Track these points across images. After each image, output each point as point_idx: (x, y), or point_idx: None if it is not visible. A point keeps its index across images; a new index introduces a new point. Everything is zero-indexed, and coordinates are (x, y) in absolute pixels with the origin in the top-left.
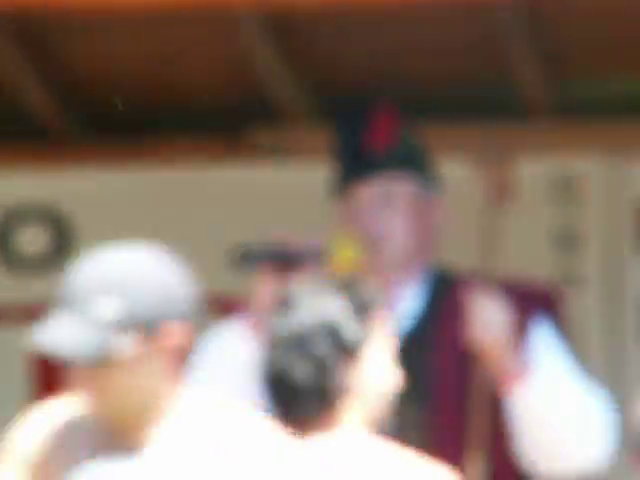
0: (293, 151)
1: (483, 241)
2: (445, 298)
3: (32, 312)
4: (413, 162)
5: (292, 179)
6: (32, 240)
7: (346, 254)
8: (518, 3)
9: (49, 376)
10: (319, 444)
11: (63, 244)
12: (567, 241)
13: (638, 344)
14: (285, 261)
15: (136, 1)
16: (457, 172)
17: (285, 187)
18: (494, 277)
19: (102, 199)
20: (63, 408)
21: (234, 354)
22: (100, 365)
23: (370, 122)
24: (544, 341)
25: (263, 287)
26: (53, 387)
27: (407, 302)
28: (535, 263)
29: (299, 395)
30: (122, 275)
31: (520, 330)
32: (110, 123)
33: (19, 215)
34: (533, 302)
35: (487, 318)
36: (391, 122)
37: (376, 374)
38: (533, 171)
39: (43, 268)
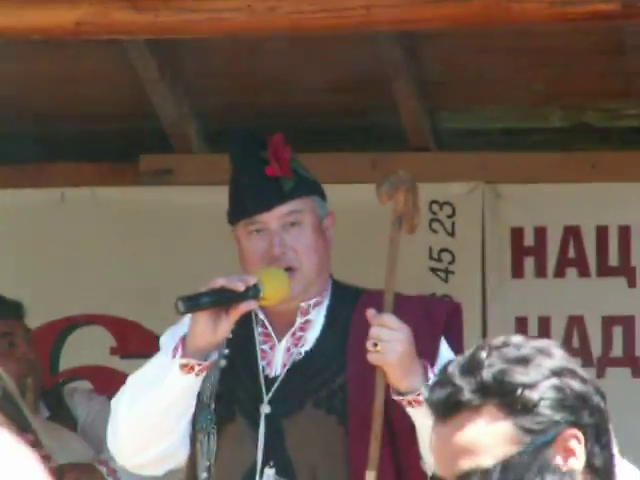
0: (178, 176)
1: (389, 261)
2: (351, 314)
3: None
4: (309, 187)
5: (176, 203)
6: None
7: (275, 285)
8: (400, 42)
9: None
10: None
11: None
12: (445, 263)
13: None
14: (227, 304)
15: (29, 25)
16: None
17: (170, 210)
18: (394, 293)
19: None
20: None
21: (169, 388)
22: None
23: (268, 152)
24: (449, 356)
25: (202, 326)
26: None
27: (316, 322)
28: (415, 284)
29: None
30: None
31: (426, 343)
32: (5, 144)
33: None
34: (442, 314)
35: (378, 335)
36: (286, 152)
37: None
38: None
39: None
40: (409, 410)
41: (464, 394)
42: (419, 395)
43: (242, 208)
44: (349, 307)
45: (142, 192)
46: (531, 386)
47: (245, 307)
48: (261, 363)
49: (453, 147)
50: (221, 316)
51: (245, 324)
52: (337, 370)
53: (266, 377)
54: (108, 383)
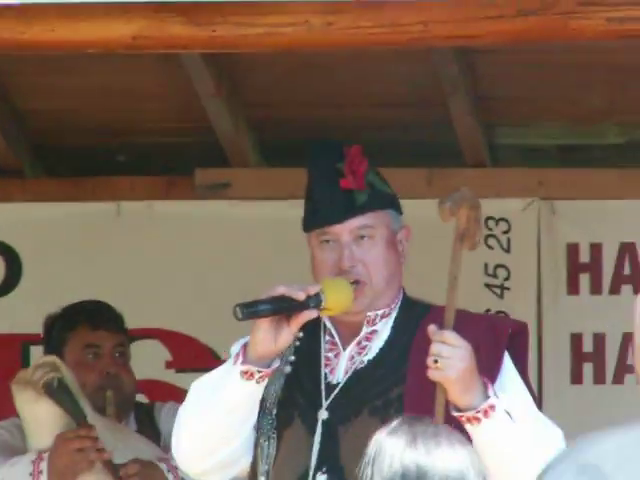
0: (234, 189)
1: (450, 277)
2: (416, 329)
3: None
4: (384, 201)
5: (232, 216)
6: None
7: (337, 296)
8: (456, 57)
9: None
10: None
11: (13, 275)
12: (500, 280)
13: (572, 383)
14: (287, 312)
15: (87, 39)
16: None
17: (226, 224)
18: (458, 310)
19: (51, 232)
20: None
21: (230, 395)
22: None
23: (344, 164)
24: (511, 374)
25: (262, 333)
26: None
27: (382, 333)
28: (470, 301)
29: None
30: None
31: (489, 361)
32: (61, 158)
33: None
34: (506, 331)
35: (439, 351)
36: (363, 164)
37: None
38: None
39: None
40: (468, 427)
41: None
42: (478, 412)
43: (315, 218)
44: (416, 321)
45: (198, 206)
46: None
47: (306, 316)
48: (324, 370)
49: (509, 163)
50: (282, 324)
51: (313, 332)
52: (396, 381)
53: (327, 384)
54: (163, 397)
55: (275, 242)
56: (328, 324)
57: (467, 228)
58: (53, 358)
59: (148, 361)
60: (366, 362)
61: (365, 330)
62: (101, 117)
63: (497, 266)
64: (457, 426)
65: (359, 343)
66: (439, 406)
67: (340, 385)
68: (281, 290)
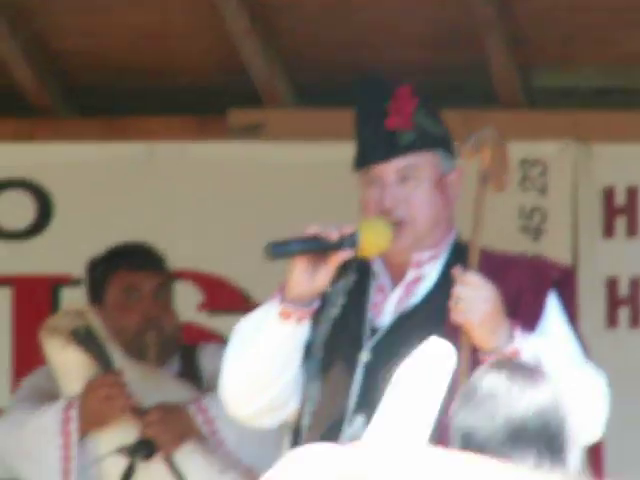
0: (268, 130)
1: (474, 219)
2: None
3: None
4: (431, 141)
5: (266, 158)
6: (14, 211)
7: (374, 237)
8: None
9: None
10: None
11: (44, 216)
12: (536, 222)
13: (607, 328)
14: (320, 252)
15: None
16: None
17: (260, 166)
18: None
19: (82, 172)
20: None
21: (270, 335)
22: None
23: (391, 104)
24: (555, 320)
25: (299, 273)
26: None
27: (430, 277)
28: (505, 244)
29: None
30: None
31: (532, 306)
32: (93, 98)
33: (1, 187)
34: (550, 274)
35: (461, 293)
36: (410, 104)
37: None
38: None
39: (24, 239)
40: None
41: None
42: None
43: (360, 157)
44: (465, 265)
45: (231, 147)
46: None
47: (342, 256)
48: (371, 312)
49: (545, 105)
50: (319, 265)
51: (363, 276)
52: (438, 325)
53: (372, 327)
54: (196, 339)
55: (308, 183)
56: (377, 267)
57: (491, 168)
58: (81, 306)
59: (181, 303)
60: (411, 306)
61: (412, 273)
62: (133, 57)
63: (533, 209)
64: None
65: (407, 286)
66: (464, 349)
67: (384, 328)
68: (314, 230)
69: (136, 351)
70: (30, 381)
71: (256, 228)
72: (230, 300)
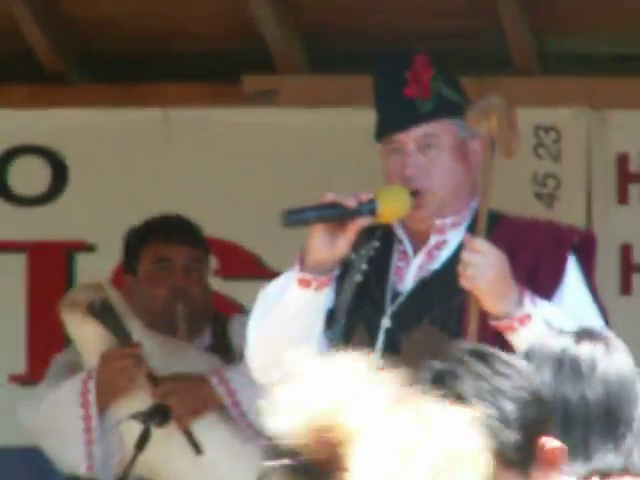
0: (283, 96)
1: (482, 185)
2: (489, 237)
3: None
4: (451, 109)
5: (281, 124)
6: (29, 177)
7: (392, 203)
8: None
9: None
10: None
11: (58, 182)
12: (550, 189)
13: (621, 294)
14: (337, 219)
15: None
16: None
17: (274, 131)
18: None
19: (96, 138)
20: None
21: (290, 303)
22: None
23: (409, 72)
24: (574, 285)
25: (317, 240)
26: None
27: (452, 243)
28: (518, 210)
29: None
30: None
31: (551, 272)
32: (107, 64)
33: (16, 153)
34: (570, 239)
35: (468, 259)
36: (428, 72)
37: None
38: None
39: (39, 205)
40: (508, 336)
41: None
42: (512, 321)
43: (381, 126)
44: (486, 232)
45: (245, 113)
46: None
47: (360, 223)
48: (393, 278)
49: (559, 71)
50: (338, 232)
51: (387, 242)
52: (459, 291)
53: (394, 292)
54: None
55: (323, 150)
56: (400, 233)
57: (499, 135)
58: (98, 279)
59: None
60: (432, 271)
61: (434, 239)
62: (147, 23)
63: (546, 175)
64: (491, 335)
65: (429, 252)
66: (473, 315)
67: (405, 294)
68: (331, 197)
69: (165, 323)
70: (62, 357)
71: (270, 194)
72: (244, 266)
